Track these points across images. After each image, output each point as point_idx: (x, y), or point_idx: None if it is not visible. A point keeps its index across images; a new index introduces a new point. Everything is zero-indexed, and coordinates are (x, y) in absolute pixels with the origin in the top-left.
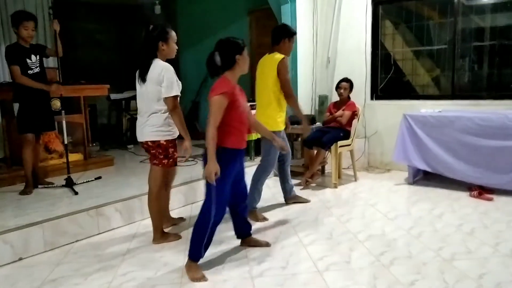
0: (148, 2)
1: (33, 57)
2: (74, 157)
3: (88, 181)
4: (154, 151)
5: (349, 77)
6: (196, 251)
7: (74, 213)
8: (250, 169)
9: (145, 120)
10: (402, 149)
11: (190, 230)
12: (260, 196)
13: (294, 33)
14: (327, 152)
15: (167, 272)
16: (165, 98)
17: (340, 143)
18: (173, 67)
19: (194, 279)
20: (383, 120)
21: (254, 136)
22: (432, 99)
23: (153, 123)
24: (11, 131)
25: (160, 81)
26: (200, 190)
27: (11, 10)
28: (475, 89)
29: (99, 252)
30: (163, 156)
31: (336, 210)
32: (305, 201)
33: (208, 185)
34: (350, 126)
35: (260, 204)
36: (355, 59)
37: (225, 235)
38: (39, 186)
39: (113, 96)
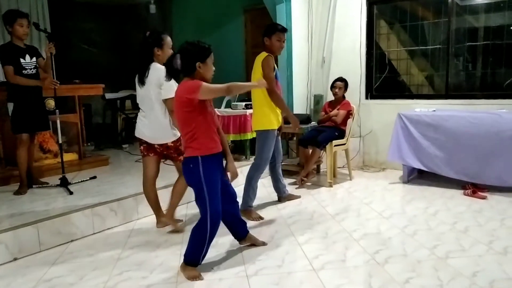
0: (143, 1)
1: (27, 57)
2: (69, 156)
3: (83, 180)
4: (165, 152)
5: (344, 77)
6: (194, 258)
7: (69, 213)
8: (246, 168)
9: (153, 122)
10: (397, 148)
11: (186, 230)
12: (255, 195)
13: (275, 30)
14: (322, 151)
15: (162, 272)
16: (165, 100)
17: (335, 142)
18: None
19: (190, 278)
20: (378, 120)
21: (250, 135)
22: (427, 99)
23: (163, 125)
24: (5, 131)
25: (160, 84)
26: None
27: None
28: (469, 89)
29: (94, 252)
30: (177, 155)
31: (331, 209)
32: (297, 197)
33: (200, 197)
34: (345, 125)
35: (255, 203)
36: (350, 58)
37: (220, 233)
38: (34, 186)
39: (108, 95)
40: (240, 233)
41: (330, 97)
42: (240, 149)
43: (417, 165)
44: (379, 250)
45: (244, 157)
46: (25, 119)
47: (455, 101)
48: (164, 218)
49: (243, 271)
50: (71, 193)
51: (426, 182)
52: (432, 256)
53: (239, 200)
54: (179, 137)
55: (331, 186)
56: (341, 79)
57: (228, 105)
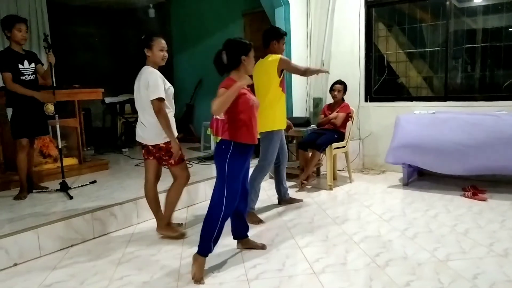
0: (142, 6)
1: (26, 63)
2: (68, 161)
3: (83, 185)
4: (158, 154)
5: (343, 80)
6: (206, 245)
7: (69, 217)
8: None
9: (146, 124)
10: (396, 150)
11: (187, 234)
12: (258, 197)
13: (283, 35)
14: (322, 154)
15: (163, 276)
16: (151, 101)
17: (334, 145)
18: (167, 70)
19: (194, 278)
20: (377, 122)
21: None
22: (426, 101)
23: (151, 127)
24: (5, 136)
25: (147, 85)
26: (196, 193)
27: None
28: (468, 91)
29: (95, 257)
30: (168, 157)
31: (331, 211)
32: (298, 201)
33: (220, 178)
34: (345, 128)
35: (256, 206)
36: (349, 61)
37: (220, 237)
38: (34, 191)
39: (108, 99)
40: (241, 232)
41: (329, 100)
42: None
43: (417, 165)
44: (380, 253)
45: None
46: (24, 124)
47: (454, 103)
48: (158, 230)
49: (244, 275)
50: (71, 197)
51: (426, 184)
52: (432, 258)
53: None
54: (163, 146)
55: (331, 189)
56: (340, 82)
57: None
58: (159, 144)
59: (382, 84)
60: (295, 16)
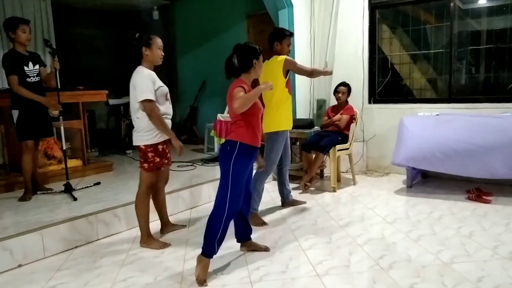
0: (146, 8)
1: (30, 64)
2: (73, 163)
3: (87, 186)
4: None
5: (347, 81)
6: (210, 246)
7: (73, 219)
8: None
9: (134, 125)
10: (401, 152)
11: (190, 236)
12: (261, 198)
13: (285, 35)
14: (325, 156)
15: (166, 278)
16: (140, 102)
17: (338, 147)
18: (171, 73)
19: (198, 280)
20: (381, 124)
21: None
22: (430, 103)
23: (135, 128)
24: (10, 138)
25: (134, 86)
26: (199, 195)
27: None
28: (472, 92)
29: (98, 258)
30: (143, 160)
31: (335, 214)
32: (302, 203)
33: (224, 179)
34: (348, 130)
35: (259, 208)
36: (352, 63)
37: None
38: (38, 192)
39: (112, 101)
40: (244, 234)
41: (333, 101)
42: None
43: (421, 167)
44: (383, 255)
45: None
46: (30, 126)
47: (458, 105)
48: (140, 244)
49: (247, 277)
50: (75, 199)
51: (430, 186)
52: (436, 261)
53: None
54: (151, 145)
55: (334, 191)
56: (344, 84)
57: None
58: (139, 145)
59: (386, 86)
60: (298, 18)
